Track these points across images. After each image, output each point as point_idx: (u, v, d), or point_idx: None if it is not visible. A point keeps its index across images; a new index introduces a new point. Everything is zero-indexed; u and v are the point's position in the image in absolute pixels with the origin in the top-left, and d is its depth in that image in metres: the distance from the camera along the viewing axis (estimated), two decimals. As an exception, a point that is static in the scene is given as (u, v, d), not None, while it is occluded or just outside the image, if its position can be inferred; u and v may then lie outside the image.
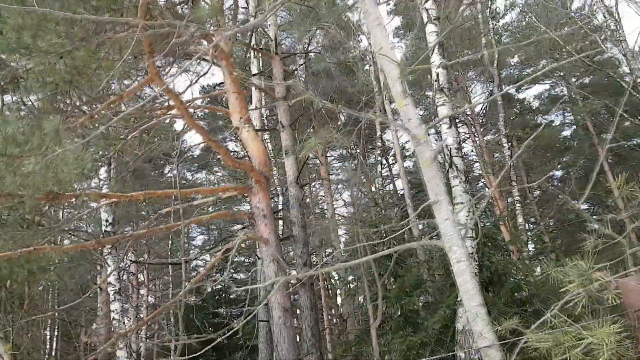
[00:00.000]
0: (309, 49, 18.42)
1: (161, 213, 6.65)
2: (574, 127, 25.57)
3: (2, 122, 3.10)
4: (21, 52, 3.73)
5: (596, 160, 21.51)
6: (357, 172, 14.15)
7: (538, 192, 24.02)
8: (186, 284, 5.39)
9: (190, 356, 4.73)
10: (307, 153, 7.58)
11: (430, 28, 9.13)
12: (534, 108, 24.52)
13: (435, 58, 8.92)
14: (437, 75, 8.76)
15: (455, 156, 8.29)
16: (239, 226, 27.92)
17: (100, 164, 9.23)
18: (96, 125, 4.45)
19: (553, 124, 24.34)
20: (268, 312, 11.31)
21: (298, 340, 7.78)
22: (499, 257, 9.07)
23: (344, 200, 26.49)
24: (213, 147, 5.75)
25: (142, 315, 14.13)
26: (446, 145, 8.45)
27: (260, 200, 6.91)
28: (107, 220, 10.32)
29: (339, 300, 22.69)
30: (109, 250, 9.99)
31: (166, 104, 6.88)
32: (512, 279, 9.00)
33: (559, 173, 26.97)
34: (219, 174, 27.61)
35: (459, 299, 7.94)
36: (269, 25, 10.78)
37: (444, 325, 7.91)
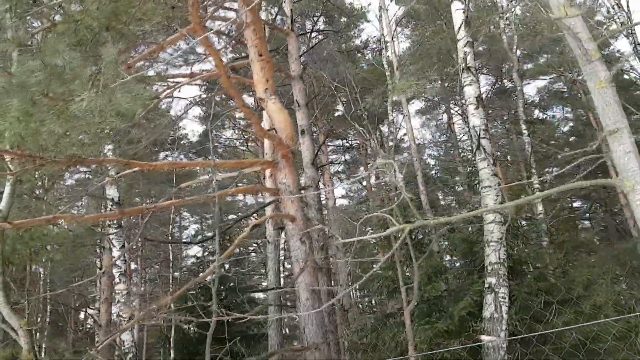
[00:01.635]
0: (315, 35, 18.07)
1: (181, 187, 6.25)
2: (572, 122, 25.50)
3: (50, 52, 2.66)
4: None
5: (598, 155, 21.37)
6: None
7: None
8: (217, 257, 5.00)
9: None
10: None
11: (457, 5, 8.81)
12: (535, 102, 24.36)
13: (462, 35, 8.61)
14: (465, 53, 8.45)
15: (483, 138, 7.99)
16: (233, 216, 27.55)
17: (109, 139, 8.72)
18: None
19: (554, 119, 24.26)
20: (279, 297, 10.96)
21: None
22: (520, 246, 8.82)
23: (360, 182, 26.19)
24: (245, 113, 5.37)
25: (134, 304, 13.56)
26: (473, 127, 8.15)
27: (287, 175, 6.52)
28: (112, 200, 9.84)
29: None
30: (115, 231, 9.56)
31: (189, 70, 6.48)
32: (534, 268, 8.75)
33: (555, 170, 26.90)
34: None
35: (486, 285, 7.66)
36: (284, 1, 10.37)
37: (470, 313, 7.61)
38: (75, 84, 2.74)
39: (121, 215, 4.85)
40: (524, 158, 14.39)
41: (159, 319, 4.53)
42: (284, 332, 13.01)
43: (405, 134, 20.24)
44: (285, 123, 6.58)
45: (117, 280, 9.71)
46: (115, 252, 9.83)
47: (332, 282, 19.55)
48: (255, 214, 13.41)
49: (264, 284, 22.55)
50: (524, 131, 13.05)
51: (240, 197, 29.13)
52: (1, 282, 4.85)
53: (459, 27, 8.70)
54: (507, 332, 7.24)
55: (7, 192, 5.00)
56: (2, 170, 5.01)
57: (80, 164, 4.65)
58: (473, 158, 8.54)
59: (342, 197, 30.60)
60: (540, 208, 12.18)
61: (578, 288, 8.38)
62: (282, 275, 15.33)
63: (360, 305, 25.33)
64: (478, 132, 8.00)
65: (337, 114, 25.51)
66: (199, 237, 24.68)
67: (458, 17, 8.78)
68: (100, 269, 10.19)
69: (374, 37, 21.72)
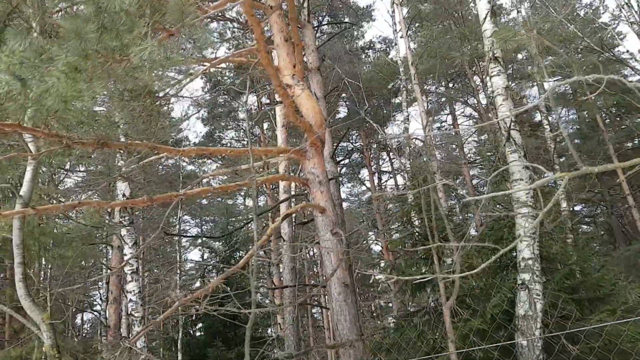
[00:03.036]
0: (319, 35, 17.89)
1: (204, 176, 5.94)
2: (577, 126, 25.31)
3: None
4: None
5: (600, 157, 21.14)
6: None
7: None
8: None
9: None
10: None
11: (482, -6, 8.55)
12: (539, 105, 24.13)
13: (488, 26, 8.35)
14: (492, 44, 8.18)
15: (513, 129, 7.71)
16: (232, 219, 27.28)
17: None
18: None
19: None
20: (295, 297, 10.58)
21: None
22: (549, 243, 8.56)
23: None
24: (281, 94, 5.08)
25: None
26: (502, 118, 7.87)
27: (316, 165, 6.22)
28: (124, 194, 9.45)
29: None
30: (127, 227, 9.19)
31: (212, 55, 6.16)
32: (565, 265, 8.47)
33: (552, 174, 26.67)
34: (214, 166, 27.03)
35: (519, 282, 7.35)
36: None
37: (502, 311, 7.31)
38: (130, 36, 2.41)
39: (150, 202, 4.52)
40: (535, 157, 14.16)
41: (201, 309, 4.20)
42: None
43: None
44: (314, 110, 6.28)
45: (129, 278, 9.32)
46: (127, 250, 9.45)
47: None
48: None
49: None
50: (546, 127, 12.76)
51: (240, 200, 28.88)
52: (22, 272, 4.50)
53: (485, 17, 8.44)
54: (542, 330, 6.94)
55: (28, 178, 4.66)
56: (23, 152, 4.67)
57: (107, 146, 4.32)
58: (501, 151, 8.25)
59: (343, 200, 30.46)
60: (564, 205, 11.91)
61: (604, 287, 8.16)
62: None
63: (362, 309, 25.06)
64: (508, 124, 7.72)
65: (338, 116, 25.32)
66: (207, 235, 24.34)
67: (483, 6, 8.52)
68: (109, 268, 9.78)
69: (380, 36, 21.58)
